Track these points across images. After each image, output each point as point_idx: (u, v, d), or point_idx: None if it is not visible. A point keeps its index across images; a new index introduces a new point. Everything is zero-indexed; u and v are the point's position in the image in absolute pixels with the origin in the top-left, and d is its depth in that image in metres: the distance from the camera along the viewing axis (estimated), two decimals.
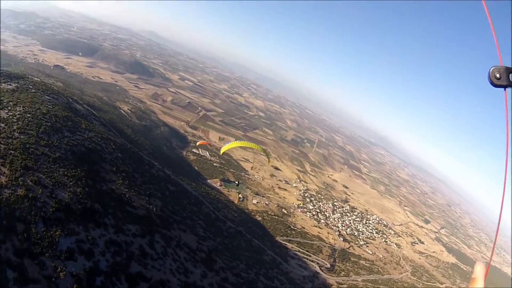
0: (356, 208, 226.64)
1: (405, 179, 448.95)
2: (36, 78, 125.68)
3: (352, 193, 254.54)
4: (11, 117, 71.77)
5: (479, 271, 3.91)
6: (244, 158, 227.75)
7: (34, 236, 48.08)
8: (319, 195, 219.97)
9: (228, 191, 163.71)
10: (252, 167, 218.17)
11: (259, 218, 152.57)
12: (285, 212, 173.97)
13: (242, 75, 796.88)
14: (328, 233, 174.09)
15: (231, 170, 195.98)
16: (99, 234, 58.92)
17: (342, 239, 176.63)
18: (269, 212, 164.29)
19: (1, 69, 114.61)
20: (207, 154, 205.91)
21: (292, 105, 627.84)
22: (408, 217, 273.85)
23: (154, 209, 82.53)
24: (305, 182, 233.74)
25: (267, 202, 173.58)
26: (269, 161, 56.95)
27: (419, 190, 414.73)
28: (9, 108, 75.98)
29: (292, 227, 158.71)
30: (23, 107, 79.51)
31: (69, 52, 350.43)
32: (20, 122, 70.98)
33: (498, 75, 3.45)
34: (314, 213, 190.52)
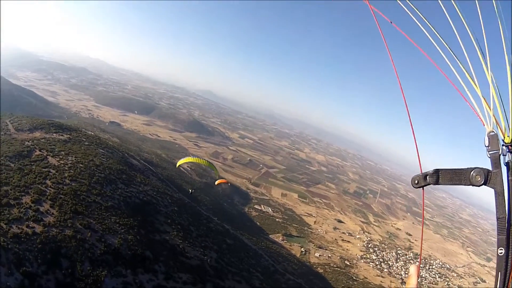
0: (419, 255, 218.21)
1: (467, 219, 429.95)
2: (90, 132, 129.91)
3: (415, 240, 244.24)
4: (62, 165, 73.77)
5: (412, 270, 4.66)
6: (307, 213, 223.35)
7: (79, 273, 48.61)
8: (383, 244, 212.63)
9: (290, 245, 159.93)
10: (315, 221, 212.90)
11: (321, 271, 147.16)
12: (348, 263, 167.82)
13: (302, 130, 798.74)
14: (391, 281, 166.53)
15: (294, 225, 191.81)
16: (147, 279, 57.75)
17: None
18: (331, 264, 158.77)
19: (52, 120, 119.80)
20: (269, 210, 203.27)
21: (353, 157, 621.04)
22: (471, 257, 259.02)
23: (209, 260, 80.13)
24: (368, 233, 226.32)
25: (329, 255, 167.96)
26: (217, 175, 59.46)
27: (480, 229, 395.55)
28: (61, 156, 78.13)
29: (354, 278, 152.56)
30: (75, 157, 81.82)
31: (125, 109, 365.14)
32: (71, 171, 72.86)
33: (416, 181, 4.33)
34: (377, 263, 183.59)
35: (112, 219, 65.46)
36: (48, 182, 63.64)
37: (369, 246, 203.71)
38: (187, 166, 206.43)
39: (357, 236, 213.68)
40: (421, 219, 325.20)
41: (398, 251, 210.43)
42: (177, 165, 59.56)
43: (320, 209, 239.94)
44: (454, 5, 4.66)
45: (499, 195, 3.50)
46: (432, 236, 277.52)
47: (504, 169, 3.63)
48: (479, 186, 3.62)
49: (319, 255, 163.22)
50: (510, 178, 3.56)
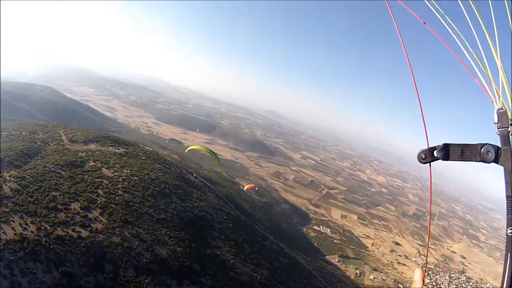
0: (471, 278, 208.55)
1: None
2: (148, 148, 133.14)
3: (469, 263, 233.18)
4: (116, 176, 76.41)
5: (417, 274, 4.71)
6: (365, 235, 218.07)
7: (121, 278, 50.05)
8: (437, 268, 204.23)
9: (346, 267, 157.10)
10: (372, 243, 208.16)
11: None
12: (401, 287, 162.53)
13: (363, 151, 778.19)
14: None
15: (351, 246, 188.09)
16: None
17: None
18: (385, 287, 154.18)
19: (108, 134, 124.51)
20: (328, 231, 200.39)
21: (413, 178, 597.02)
22: None
23: (259, 277, 79.27)
24: (424, 256, 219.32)
25: (384, 278, 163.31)
26: (218, 163, 60.45)
27: None
28: (115, 169, 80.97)
29: None
30: (130, 170, 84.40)
31: (185, 127, 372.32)
32: (125, 183, 75.29)
33: (423, 156, 4.25)
34: (430, 286, 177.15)
35: (163, 231, 66.64)
36: (100, 191, 66.22)
37: (423, 269, 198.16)
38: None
39: (413, 259, 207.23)
40: (477, 242, 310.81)
41: (452, 275, 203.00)
42: (186, 150, 63.39)
43: (378, 231, 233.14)
44: None
45: (509, 173, 3.57)
46: (485, 259, 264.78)
47: None
48: (489, 163, 3.69)
49: (374, 278, 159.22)
50: None
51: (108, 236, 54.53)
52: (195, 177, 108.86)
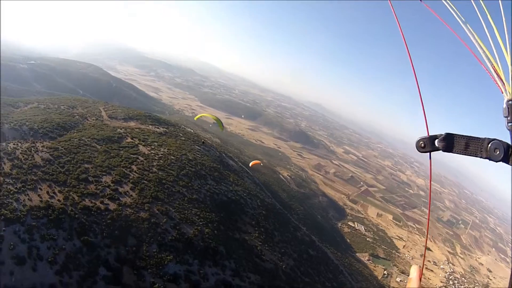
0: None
1: None
2: (189, 129, 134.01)
3: (494, 277, 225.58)
4: (152, 154, 78.25)
5: (413, 272, 4.42)
6: (398, 236, 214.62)
7: (143, 252, 51.78)
8: (463, 278, 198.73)
9: (374, 266, 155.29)
10: (404, 246, 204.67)
11: None
12: None
13: (406, 152, 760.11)
14: None
15: (383, 246, 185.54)
16: (213, 272, 59.00)
17: None
18: None
19: (150, 113, 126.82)
20: (362, 228, 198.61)
21: (452, 184, 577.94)
22: None
23: (284, 266, 79.33)
24: (452, 264, 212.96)
25: None
26: (221, 128, 60.49)
27: None
28: (152, 147, 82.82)
29: None
30: (168, 149, 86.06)
31: (230, 112, 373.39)
32: (161, 161, 77.06)
33: (422, 144, 3.99)
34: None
35: (193, 211, 68.17)
36: (133, 167, 68.44)
37: (450, 278, 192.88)
38: (287, 175, 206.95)
39: (441, 266, 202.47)
40: (505, 256, 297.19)
41: (476, 287, 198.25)
42: (195, 118, 65.09)
43: (411, 233, 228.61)
44: None
45: None
46: None
47: None
48: (496, 161, 3.38)
49: (400, 280, 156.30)
50: None
51: (136, 210, 56.42)
52: (203, 143, 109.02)
